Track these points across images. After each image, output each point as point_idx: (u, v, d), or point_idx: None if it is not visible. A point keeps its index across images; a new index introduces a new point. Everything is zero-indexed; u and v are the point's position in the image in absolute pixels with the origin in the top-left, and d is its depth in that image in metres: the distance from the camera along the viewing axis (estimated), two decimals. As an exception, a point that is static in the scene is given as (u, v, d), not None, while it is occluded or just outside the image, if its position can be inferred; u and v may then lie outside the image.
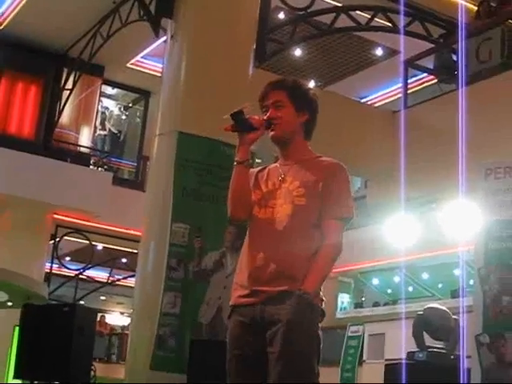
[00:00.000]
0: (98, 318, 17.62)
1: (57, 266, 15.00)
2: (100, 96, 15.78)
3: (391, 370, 8.19)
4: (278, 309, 3.34)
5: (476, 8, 11.25)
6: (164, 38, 9.21)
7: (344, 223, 3.52)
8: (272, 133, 3.57)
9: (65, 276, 15.52)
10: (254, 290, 3.42)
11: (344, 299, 17.63)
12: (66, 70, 14.47)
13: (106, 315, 23.12)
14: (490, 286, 7.40)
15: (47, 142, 14.35)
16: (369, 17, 10.44)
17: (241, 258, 3.57)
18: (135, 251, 9.39)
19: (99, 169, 15.30)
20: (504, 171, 7.62)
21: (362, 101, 14.65)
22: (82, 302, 15.49)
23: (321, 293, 3.45)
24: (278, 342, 3.30)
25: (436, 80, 12.15)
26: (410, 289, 16.63)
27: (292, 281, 3.37)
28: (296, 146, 3.63)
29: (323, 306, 3.46)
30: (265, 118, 3.57)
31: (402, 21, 10.34)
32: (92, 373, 8.60)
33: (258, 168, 3.72)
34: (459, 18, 9.77)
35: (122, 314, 24.50)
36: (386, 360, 11.44)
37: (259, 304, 3.39)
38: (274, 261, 3.40)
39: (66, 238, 14.43)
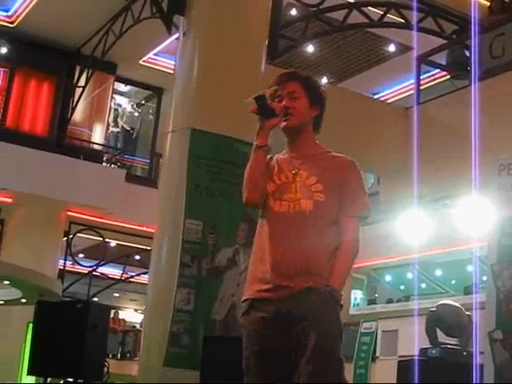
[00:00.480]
0: (112, 315, 17.66)
1: (70, 262, 15.06)
2: (113, 93, 15.84)
3: (404, 366, 8.19)
4: (307, 304, 3.32)
5: (489, 4, 11.22)
6: (176, 35, 9.22)
7: (361, 221, 3.54)
8: (285, 123, 3.56)
9: (78, 273, 15.56)
10: (277, 284, 3.38)
11: (357, 296, 17.61)
12: (78, 68, 14.54)
13: (120, 312, 23.14)
14: (503, 283, 7.36)
15: (60, 139, 14.41)
16: (381, 13, 10.42)
17: (256, 251, 3.53)
18: (148, 248, 9.42)
19: (112, 166, 15.35)
20: (517, 167, 7.58)
21: (375, 97, 14.60)
22: (95, 299, 15.55)
23: None
24: (310, 338, 3.27)
25: (449, 76, 12.09)
26: (423, 285, 16.58)
27: (316, 277, 3.37)
28: (306, 139, 3.63)
29: (342, 301, 3.46)
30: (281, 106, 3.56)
31: (414, 17, 10.33)
32: (105, 369, 8.64)
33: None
34: (472, 14, 9.72)
35: (135, 310, 24.53)
36: (400, 356, 11.40)
37: (287, 299, 3.35)
38: (299, 256, 3.38)
39: (79, 234, 14.48)
